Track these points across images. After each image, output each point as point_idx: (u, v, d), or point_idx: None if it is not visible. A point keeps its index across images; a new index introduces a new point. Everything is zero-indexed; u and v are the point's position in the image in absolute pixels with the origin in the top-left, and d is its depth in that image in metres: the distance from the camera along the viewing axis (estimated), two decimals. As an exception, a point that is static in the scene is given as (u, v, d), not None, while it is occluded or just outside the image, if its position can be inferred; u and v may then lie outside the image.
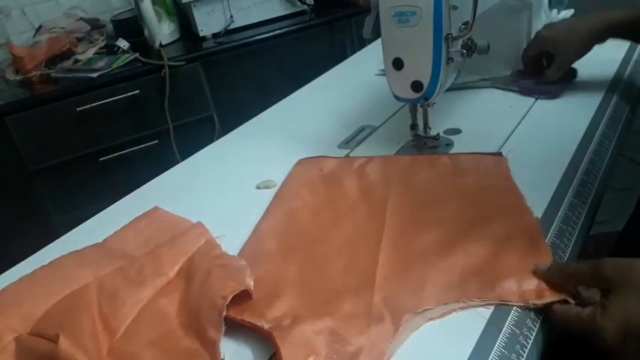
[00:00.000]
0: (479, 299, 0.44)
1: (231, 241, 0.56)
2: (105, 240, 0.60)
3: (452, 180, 0.61)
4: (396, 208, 0.57)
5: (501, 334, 0.41)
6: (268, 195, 0.65)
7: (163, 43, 1.53)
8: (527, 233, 0.50)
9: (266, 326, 0.43)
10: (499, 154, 0.64)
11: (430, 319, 0.43)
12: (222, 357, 0.41)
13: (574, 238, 0.51)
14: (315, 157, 0.71)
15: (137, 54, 1.49)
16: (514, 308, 0.43)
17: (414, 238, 0.52)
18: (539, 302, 0.43)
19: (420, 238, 0.52)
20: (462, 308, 0.44)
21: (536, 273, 0.45)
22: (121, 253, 0.57)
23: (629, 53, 0.86)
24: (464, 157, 0.65)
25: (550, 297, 0.43)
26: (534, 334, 0.42)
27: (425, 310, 0.43)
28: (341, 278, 0.49)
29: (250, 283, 0.47)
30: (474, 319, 0.43)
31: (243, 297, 0.46)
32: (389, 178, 0.63)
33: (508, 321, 0.42)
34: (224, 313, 0.44)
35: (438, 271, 0.47)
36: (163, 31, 1.55)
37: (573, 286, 0.43)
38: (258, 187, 0.67)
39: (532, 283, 0.44)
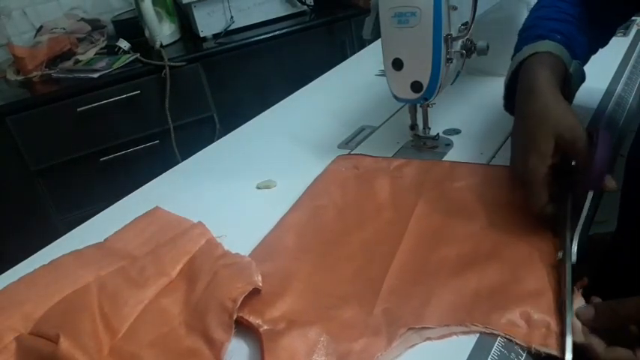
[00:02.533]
0: (483, 326, 0.41)
1: (232, 240, 0.56)
2: (106, 240, 0.60)
3: (487, 192, 0.57)
4: (421, 217, 0.55)
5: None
6: (269, 195, 0.65)
7: (164, 43, 1.53)
8: (551, 259, 0.47)
9: (261, 328, 0.44)
10: None
11: (427, 339, 0.42)
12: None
13: (573, 238, 0.51)
14: (354, 154, 0.70)
15: (138, 54, 1.49)
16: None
17: (432, 251, 0.50)
18: (542, 349, 0.39)
19: (438, 252, 0.50)
20: (464, 333, 0.41)
21: (578, 317, 0.40)
22: (122, 252, 0.57)
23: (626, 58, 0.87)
24: (505, 169, 0.59)
25: (554, 349, 0.39)
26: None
27: (423, 328, 0.42)
28: (348, 284, 0.48)
29: (258, 279, 0.47)
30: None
31: (249, 293, 0.46)
32: (423, 183, 0.61)
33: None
34: (235, 316, 0.44)
35: (448, 290, 0.45)
36: (164, 31, 1.56)
37: (625, 328, 0.40)
38: (258, 187, 0.67)
39: (541, 324, 0.41)
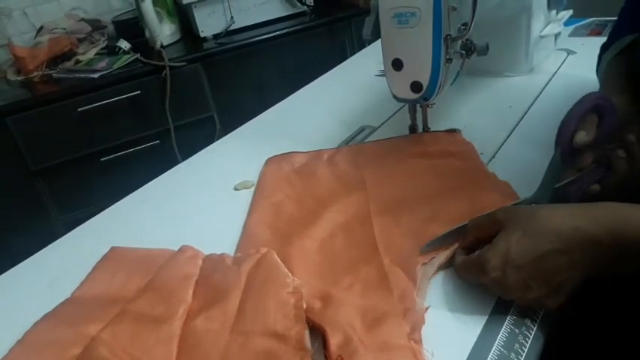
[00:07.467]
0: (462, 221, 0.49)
1: (234, 241, 0.56)
2: (73, 294, 0.52)
3: (416, 157, 0.65)
4: (374, 187, 0.60)
5: (500, 332, 0.41)
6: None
7: (164, 43, 1.53)
8: (497, 188, 0.57)
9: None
10: (454, 130, 0.69)
11: (439, 266, 0.48)
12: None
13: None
14: (284, 153, 0.72)
15: (138, 55, 1.49)
16: (511, 310, 0.43)
17: (400, 210, 0.55)
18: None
19: (405, 210, 0.55)
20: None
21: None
22: (107, 298, 0.50)
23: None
24: (424, 135, 0.69)
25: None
26: (532, 333, 0.42)
27: (432, 258, 0.48)
28: (345, 253, 0.51)
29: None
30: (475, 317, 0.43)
31: None
32: (359, 163, 0.66)
33: (507, 321, 0.42)
34: (304, 305, 0.43)
35: (431, 234, 0.51)
36: (164, 31, 1.56)
37: (483, 235, 0.46)
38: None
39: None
